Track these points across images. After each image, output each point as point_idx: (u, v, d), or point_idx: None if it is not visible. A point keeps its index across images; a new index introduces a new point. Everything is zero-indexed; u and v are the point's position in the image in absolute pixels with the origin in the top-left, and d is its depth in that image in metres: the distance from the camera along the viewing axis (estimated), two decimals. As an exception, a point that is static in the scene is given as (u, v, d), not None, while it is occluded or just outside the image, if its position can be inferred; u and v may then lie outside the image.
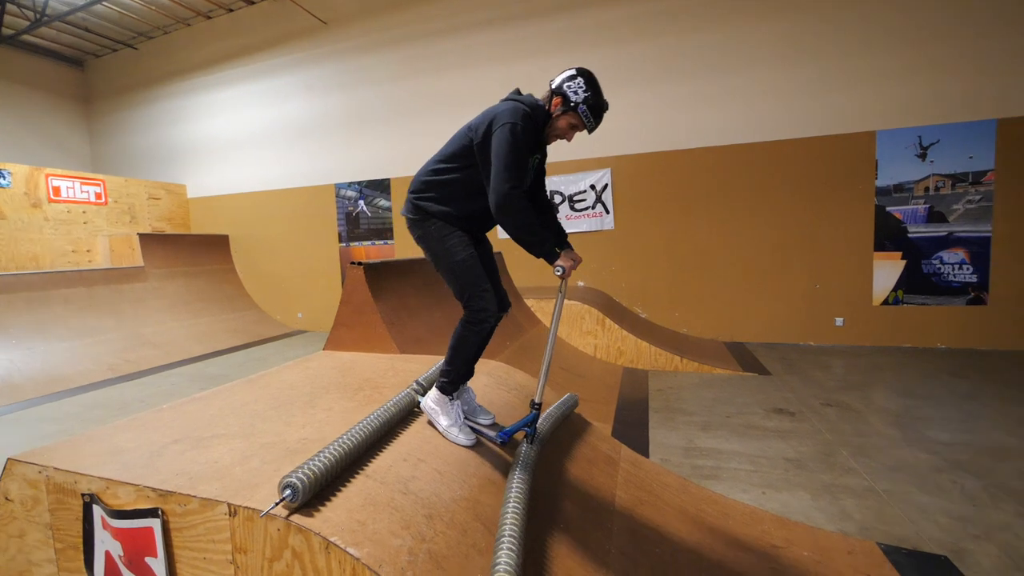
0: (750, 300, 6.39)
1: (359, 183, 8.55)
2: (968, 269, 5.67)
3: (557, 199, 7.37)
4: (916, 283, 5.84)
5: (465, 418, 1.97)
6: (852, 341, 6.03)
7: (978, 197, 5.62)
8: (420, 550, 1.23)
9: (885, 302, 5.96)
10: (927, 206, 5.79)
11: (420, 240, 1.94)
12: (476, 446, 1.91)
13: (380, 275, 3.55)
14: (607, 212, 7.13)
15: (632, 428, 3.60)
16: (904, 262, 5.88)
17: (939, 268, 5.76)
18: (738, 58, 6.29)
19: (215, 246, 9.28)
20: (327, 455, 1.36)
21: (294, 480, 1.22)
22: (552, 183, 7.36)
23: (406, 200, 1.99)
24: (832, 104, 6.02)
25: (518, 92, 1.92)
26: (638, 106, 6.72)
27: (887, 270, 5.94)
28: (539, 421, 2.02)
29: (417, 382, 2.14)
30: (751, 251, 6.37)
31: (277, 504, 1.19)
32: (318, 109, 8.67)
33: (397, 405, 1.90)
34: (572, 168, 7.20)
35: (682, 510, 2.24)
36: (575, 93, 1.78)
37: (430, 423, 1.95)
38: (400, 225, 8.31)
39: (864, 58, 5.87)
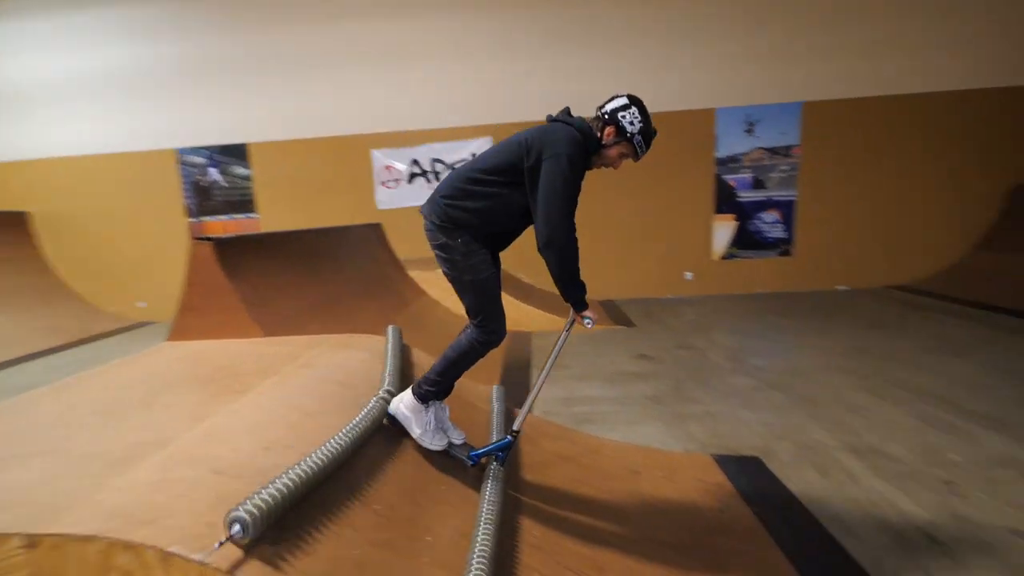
0: (620, 261, 7.03)
1: (208, 148, 7.37)
2: (780, 227, 6.90)
3: (439, 168, 7.20)
4: (744, 240, 6.95)
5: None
6: (699, 292, 7.01)
7: (787, 167, 6.79)
8: (285, 540, 1.17)
9: (723, 257, 7.01)
10: (752, 175, 6.85)
11: (441, 248, 1.78)
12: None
13: (236, 251, 3.16)
14: (489, 181, 7.17)
15: (517, 387, 3.78)
16: (736, 223, 6.94)
17: (760, 227, 6.92)
18: (612, 34, 6.63)
19: (7, 227, 7.36)
20: (287, 479, 1.19)
21: (242, 513, 1.04)
22: (433, 151, 7.16)
23: (432, 202, 1.80)
24: (683, 82, 6.70)
25: (568, 113, 1.81)
26: (522, 74, 6.77)
27: (724, 230, 6.96)
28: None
29: (386, 390, 1.98)
30: (622, 216, 6.96)
31: (223, 543, 1.01)
32: (151, 57, 7.16)
33: (368, 417, 1.70)
34: (451, 135, 7.05)
35: (561, 455, 2.45)
36: (631, 124, 1.73)
37: (390, 420, 1.86)
38: (267, 197, 7.42)
39: (707, 43, 6.59)
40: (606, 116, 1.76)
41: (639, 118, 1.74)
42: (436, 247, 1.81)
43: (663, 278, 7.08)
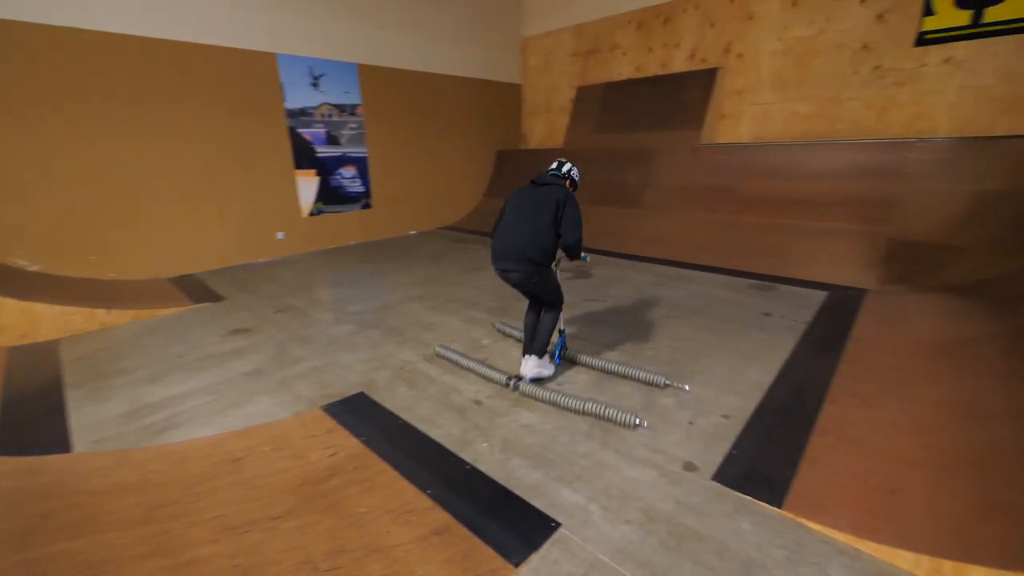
0: (192, 227, 5.77)
1: None
2: (359, 182, 7.47)
3: None
4: (329, 195, 7.14)
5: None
6: (293, 251, 6.79)
7: (355, 125, 7.29)
8: None
9: (312, 213, 6.98)
10: (325, 130, 6.97)
11: (536, 280, 2.71)
12: None
13: None
14: None
15: (35, 426, 2.58)
16: (319, 178, 6.99)
17: (342, 182, 7.27)
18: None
19: None
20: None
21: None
22: None
23: (523, 259, 2.64)
24: (239, 15, 5.79)
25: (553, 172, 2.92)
26: None
27: (308, 185, 6.88)
28: None
29: (511, 377, 2.87)
30: (183, 174, 5.61)
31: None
32: None
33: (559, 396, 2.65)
34: None
35: (123, 487, 1.87)
36: (577, 176, 2.94)
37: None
38: None
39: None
40: (567, 173, 2.87)
41: (578, 172, 2.94)
42: (532, 281, 2.71)
43: (252, 241, 6.38)
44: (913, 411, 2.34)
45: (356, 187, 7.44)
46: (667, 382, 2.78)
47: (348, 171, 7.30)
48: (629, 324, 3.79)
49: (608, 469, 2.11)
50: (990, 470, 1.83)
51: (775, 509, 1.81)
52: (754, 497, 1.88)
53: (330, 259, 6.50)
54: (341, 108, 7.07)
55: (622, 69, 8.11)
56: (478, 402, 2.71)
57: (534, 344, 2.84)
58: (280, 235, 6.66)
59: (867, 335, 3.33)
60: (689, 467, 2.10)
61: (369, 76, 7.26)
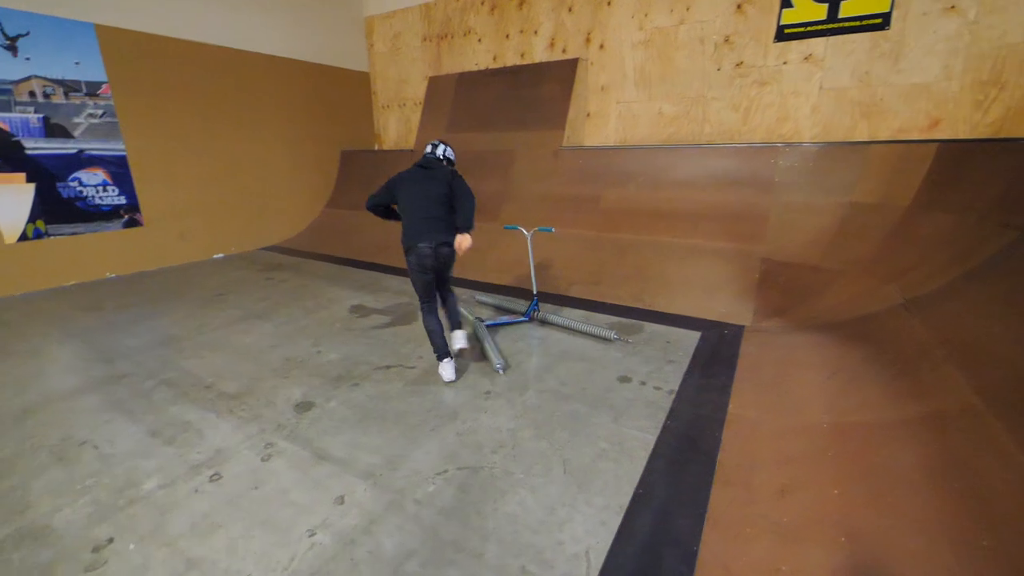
0: None
1: None
2: (114, 191, 5.34)
3: None
4: (58, 210, 4.95)
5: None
6: (-20, 297, 4.54)
7: (100, 112, 5.18)
8: None
9: (24, 237, 4.76)
10: (40, 116, 4.79)
11: (451, 256, 2.92)
12: None
13: None
14: None
15: None
16: (33, 185, 4.79)
17: (81, 191, 5.11)
18: None
19: None
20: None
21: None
22: None
23: (440, 231, 2.86)
24: None
25: (438, 157, 3.11)
26: None
27: (11, 197, 4.66)
28: None
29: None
30: None
31: None
32: None
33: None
34: None
35: None
36: (453, 155, 3.15)
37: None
38: None
39: None
40: (446, 157, 3.11)
41: (452, 151, 3.16)
42: (451, 258, 2.93)
43: None
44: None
45: (110, 198, 5.32)
46: None
47: (92, 175, 5.17)
48: (406, 428, 2.46)
49: None
50: None
51: None
52: None
53: (48, 306, 4.37)
54: (68, 86, 4.93)
55: (479, 58, 6.92)
56: None
57: (454, 323, 3.06)
58: (-44, 273, 4.38)
59: (747, 416, 2.36)
60: None
61: (119, 44, 5.20)
